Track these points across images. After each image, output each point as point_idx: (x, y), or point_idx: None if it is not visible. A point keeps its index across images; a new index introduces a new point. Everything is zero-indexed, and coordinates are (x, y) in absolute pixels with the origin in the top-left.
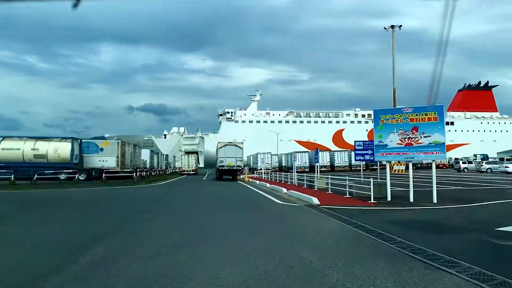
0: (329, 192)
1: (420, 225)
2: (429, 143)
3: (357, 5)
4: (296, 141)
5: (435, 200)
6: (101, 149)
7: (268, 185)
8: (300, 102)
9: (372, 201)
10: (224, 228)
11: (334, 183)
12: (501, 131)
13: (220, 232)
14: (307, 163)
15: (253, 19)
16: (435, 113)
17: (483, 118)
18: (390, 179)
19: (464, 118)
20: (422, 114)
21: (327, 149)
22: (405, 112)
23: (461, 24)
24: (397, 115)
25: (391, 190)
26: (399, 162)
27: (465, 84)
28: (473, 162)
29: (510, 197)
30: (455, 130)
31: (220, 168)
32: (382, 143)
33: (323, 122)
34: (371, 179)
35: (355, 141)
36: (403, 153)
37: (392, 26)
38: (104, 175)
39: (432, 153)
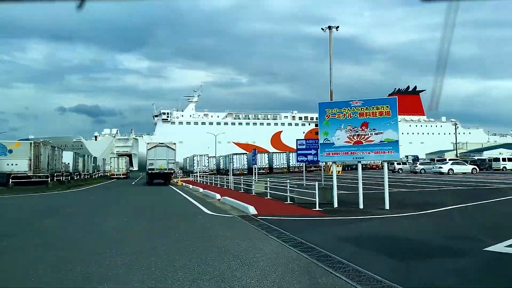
0: (268, 197)
1: (385, 244)
2: (381, 141)
3: (294, 11)
4: (234, 143)
5: (387, 206)
6: (10, 151)
7: (201, 190)
8: (240, 104)
9: (317, 208)
10: (113, 268)
11: (274, 187)
12: (428, 133)
13: (104, 275)
14: (246, 165)
15: (193, 21)
16: (387, 107)
17: (411, 121)
18: (330, 181)
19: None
20: (373, 107)
21: (266, 151)
22: (354, 105)
23: (391, 33)
24: (345, 109)
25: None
26: (334, 162)
27: (395, 88)
28: (407, 163)
29: (463, 200)
30: None
31: (150, 171)
32: (328, 141)
33: (261, 124)
34: (316, 182)
35: (297, 140)
36: (351, 153)
37: (330, 27)
38: (11, 180)
39: (384, 152)
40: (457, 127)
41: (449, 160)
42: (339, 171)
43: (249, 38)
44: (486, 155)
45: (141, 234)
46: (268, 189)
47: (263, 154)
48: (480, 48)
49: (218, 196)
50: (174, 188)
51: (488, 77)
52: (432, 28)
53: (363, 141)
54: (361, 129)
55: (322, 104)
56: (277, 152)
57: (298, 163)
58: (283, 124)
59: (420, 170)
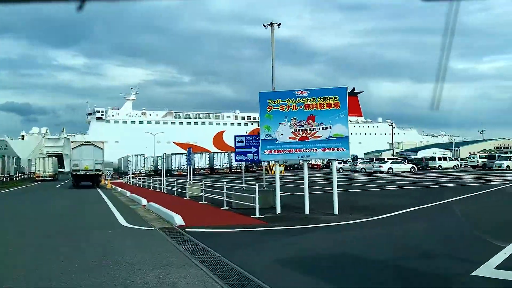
0: (203, 202)
1: (335, 269)
2: (329, 137)
3: (236, 11)
4: (175, 143)
5: (336, 211)
6: None
7: (128, 193)
8: (182, 104)
9: (257, 215)
10: None
11: (210, 190)
12: (365, 134)
13: None
14: (185, 166)
15: (132, 16)
16: (336, 98)
17: (350, 121)
18: (271, 182)
19: None
20: (320, 99)
21: (208, 151)
22: (299, 96)
23: (330, 36)
24: (289, 100)
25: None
26: (277, 161)
27: None
28: (347, 162)
29: (416, 202)
30: None
31: (75, 173)
32: (270, 137)
33: (203, 123)
34: (256, 184)
35: (235, 136)
36: (296, 150)
37: (271, 24)
38: None
39: (332, 149)
40: (394, 127)
41: (388, 159)
42: (281, 171)
43: (191, 37)
44: (420, 154)
45: (15, 261)
46: (204, 192)
47: (204, 154)
48: (412, 53)
49: (144, 201)
50: (100, 191)
51: (419, 81)
52: (368, 33)
53: (310, 137)
54: (307, 123)
55: (263, 94)
56: (218, 152)
57: (239, 163)
58: (225, 123)
59: (361, 169)
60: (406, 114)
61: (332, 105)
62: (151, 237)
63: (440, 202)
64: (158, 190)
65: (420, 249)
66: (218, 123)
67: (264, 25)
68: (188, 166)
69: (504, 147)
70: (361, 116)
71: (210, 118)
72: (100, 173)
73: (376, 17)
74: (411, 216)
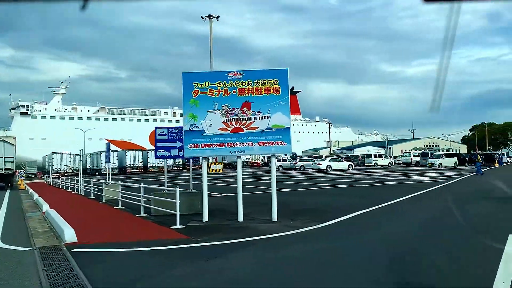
0: (119, 207)
1: None
2: (268, 128)
3: (176, 7)
4: (107, 140)
5: (275, 217)
6: None
7: (36, 196)
8: (118, 100)
9: (178, 226)
10: None
11: (129, 193)
12: (304, 132)
13: None
14: (116, 164)
15: (67, 7)
16: (276, 82)
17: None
18: (213, 182)
19: None
20: (258, 82)
21: (143, 149)
22: (232, 78)
23: (270, 37)
24: (220, 83)
25: (209, 200)
26: (206, 158)
27: None
28: (287, 160)
29: (363, 202)
30: None
31: None
32: (196, 128)
33: (139, 120)
34: (177, 187)
35: (155, 128)
36: (228, 144)
37: (210, 16)
38: None
39: (272, 143)
40: (331, 126)
41: (326, 156)
42: (219, 169)
43: (129, 31)
44: (356, 152)
45: None
46: (120, 195)
47: (137, 151)
48: (346, 56)
49: (45, 207)
50: (7, 194)
51: (353, 82)
52: (306, 35)
53: (245, 128)
54: (241, 111)
55: (187, 75)
56: (153, 150)
57: (176, 159)
58: (162, 120)
59: (300, 167)
60: (342, 113)
61: (271, 90)
62: (20, 264)
63: (389, 203)
64: (75, 191)
65: (388, 276)
66: (154, 120)
67: (202, 17)
68: (106, 165)
69: (433, 145)
70: (300, 115)
71: (146, 115)
72: (11, 172)
73: (314, 20)
74: (362, 223)
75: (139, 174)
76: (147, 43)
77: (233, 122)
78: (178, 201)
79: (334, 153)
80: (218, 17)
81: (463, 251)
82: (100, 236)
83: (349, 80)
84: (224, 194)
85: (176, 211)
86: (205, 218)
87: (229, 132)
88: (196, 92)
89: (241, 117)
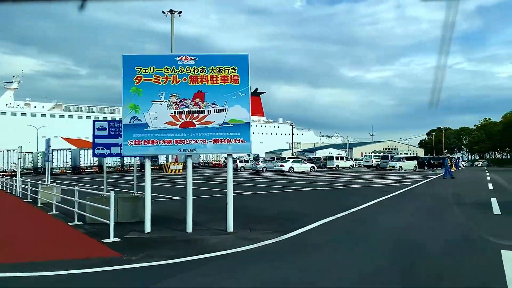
0: (54, 212)
1: None
2: (225, 123)
3: (140, 5)
4: (63, 138)
5: (230, 227)
6: None
7: None
8: (78, 98)
9: (111, 239)
10: None
11: (64, 196)
12: (267, 133)
13: None
14: (69, 163)
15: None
16: (234, 69)
17: (252, 121)
18: (162, 183)
19: None
20: (213, 69)
21: None
22: (183, 63)
23: (235, 38)
24: (168, 69)
25: (157, 204)
26: (149, 157)
27: None
28: (249, 161)
29: (328, 207)
30: None
31: None
32: (138, 122)
33: (97, 118)
34: (112, 192)
35: (93, 121)
36: (177, 141)
37: (171, 11)
38: None
39: (228, 140)
40: (293, 127)
41: (289, 158)
42: (179, 170)
43: (90, 27)
44: (318, 154)
45: None
46: (55, 199)
47: (91, 150)
48: (309, 60)
49: None
50: None
51: (315, 86)
52: (271, 37)
53: (197, 123)
54: (193, 102)
55: (129, 57)
56: None
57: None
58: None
59: (262, 168)
60: (305, 116)
61: (229, 79)
62: None
63: (358, 209)
64: (14, 193)
65: None
66: (113, 118)
67: (163, 12)
68: (46, 164)
69: (391, 149)
70: (263, 116)
71: (104, 112)
72: None
73: (279, 23)
74: (330, 236)
75: (93, 174)
76: (109, 39)
77: (183, 115)
78: (112, 208)
79: (296, 155)
80: (180, 12)
81: (457, 272)
82: (10, 254)
83: (312, 84)
84: (179, 198)
85: (110, 221)
86: (147, 228)
87: (177, 127)
88: (139, 78)
89: (192, 110)
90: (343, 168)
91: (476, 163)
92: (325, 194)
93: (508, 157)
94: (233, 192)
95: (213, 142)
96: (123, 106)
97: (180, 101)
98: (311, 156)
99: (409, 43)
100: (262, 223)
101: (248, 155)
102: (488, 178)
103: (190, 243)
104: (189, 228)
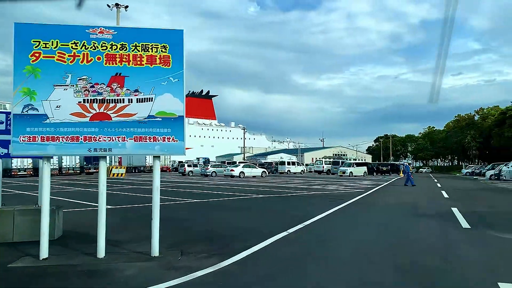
0: None
1: None
2: (151, 116)
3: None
4: None
5: (156, 250)
6: None
7: None
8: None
9: None
10: None
11: None
12: (218, 137)
13: None
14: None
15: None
16: (165, 48)
17: (204, 124)
18: (97, 189)
19: (187, 123)
20: (137, 47)
21: None
22: (97, 37)
23: (187, 40)
24: (77, 44)
25: (79, 216)
26: (48, 158)
27: (189, 91)
28: (198, 165)
29: (282, 219)
30: None
31: None
32: (34, 112)
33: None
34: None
35: None
36: (86, 138)
37: (117, 5)
38: None
39: (155, 139)
40: (245, 132)
41: (240, 162)
42: (121, 174)
43: (33, 20)
44: (270, 158)
45: None
46: None
47: None
48: (262, 65)
49: None
50: None
51: (268, 92)
52: (223, 41)
53: (113, 115)
54: (109, 88)
55: (22, 26)
56: None
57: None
58: None
59: (212, 173)
60: (257, 121)
61: (158, 60)
62: None
63: (312, 221)
64: None
65: None
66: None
67: (108, 5)
68: None
69: (341, 154)
70: (215, 119)
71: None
72: None
73: (233, 27)
74: (283, 261)
75: (26, 178)
76: None
77: (95, 105)
78: None
79: (248, 159)
80: (126, 7)
81: None
82: None
83: (264, 89)
84: (111, 206)
85: (8, 238)
86: (43, 253)
87: (87, 119)
88: (37, 55)
89: (108, 98)
90: (295, 173)
91: (420, 169)
92: (276, 202)
93: (450, 164)
94: (175, 201)
95: (135, 140)
96: (14, 91)
97: (92, 86)
98: (263, 161)
99: (358, 53)
100: (199, 242)
101: (198, 159)
102: (439, 185)
103: (94, 277)
104: (101, 252)
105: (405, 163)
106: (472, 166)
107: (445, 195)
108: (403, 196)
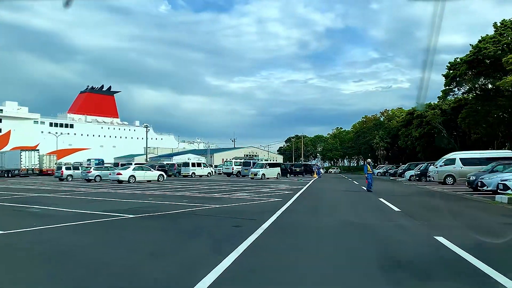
0: None
1: None
2: None
3: None
4: None
5: None
6: None
7: None
8: None
9: None
10: None
11: None
12: (121, 137)
13: None
14: None
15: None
16: None
17: (104, 123)
18: None
19: (85, 121)
20: None
21: None
22: None
23: (91, 35)
24: None
25: None
26: None
27: (88, 86)
28: (79, 168)
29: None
30: (75, 134)
31: None
32: None
33: None
34: None
35: None
36: None
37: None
38: None
39: None
40: (148, 130)
41: (134, 164)
42: None
43: None
44: (176, 160)
45: None
46: None
47: None
48: (173, 65)
49: None
50: None
51: (180, 92)
52: (132, 38)
53: None
54: None
55: None
56: None
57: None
58: None
59: (95, 177)
60: (169, 122)
61: None
62: None
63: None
64: None
65: None
66: None
67: None
68: None
69: (253, 155)
70: (117, 117)
71: None
72: None
73: (142, 24)
74: None
75: None
76: None
77: None
78: None
79: (150, 161)
80: None
81: None
82: None
83: (176, 90)
84: None
85: None
86: None
87: None
88: None
89: None
90: (200, 176)
91: (330, 170)
92: (153, 230)
93: (356, 164)
94: None
95: None
96: None
97: None
98: (165, 163)
99: (268, 57)
100: None
101: (89, 160)
102: (364, 188)
103: None
104: None
105: (317, 164)
106: (383, 166)
107: (392, 207)
108: (338, 211)
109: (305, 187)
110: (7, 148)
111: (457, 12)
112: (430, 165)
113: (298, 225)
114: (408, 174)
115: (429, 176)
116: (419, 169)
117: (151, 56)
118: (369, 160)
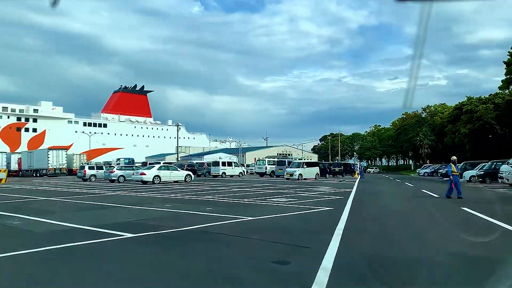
0: None
1: None
2: None
3: None
4: None
5: None
6: None
7: None
8: None
9: None
10: None
11: None
12: (154, 136)
13: None
14: None
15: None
16: None
17: (137, 122)
18: None
19: (118, 121)
20: None
21: None
22: None
23: (127, 38)
24: None
25: None
26: None
27: (121, 86)
28: (103, 167)
29: None
30: (108, 133)
31: None
32: None
33: None
34: None
35: None
36: None
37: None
38: None
39: None
40: (180, 129)
41: (161, 164)
42: (3, 179)
43: None
44: (206, 159)
45: None
46: None
47: None
48: (205, 66)
49: None
50: None
51: (212, 92)
52: (165, 41)
53: None
54: None
55: None
56: None
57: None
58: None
59: (118, 177)
60: (201, 122)
61: None
62: None
63: None
64: None
65: None
66: None
67: None
68: None
69: (286, 154)
70: (151, 117)
71: None
72: None
73: (175, 26)
74: None
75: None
76: None
77: None
78: None
79: (181, 160)
80: None
81: None
82: None
83: (208, 90)
84: None
85: None
86: None
87: None
88: None
89: None
90: (232, 176)
91: (368, 170)
92: (140, 270)
93: (395, 163)
94: None
95: None
96: None
97: None
98: (195, 162)
99: (300, 56)
100: None
101: (118, 159)
102: (429, 193)
103: None
104: None
105: (455, 160)
106: (430, 166)
107: (499, 223)
108: (425, 230)
109: (353, 190)
110: (42, 147)
111: (496, 8)
112: (494, 164)
113: (382, 260)
114: (467, 174)
115: (501, 178)
116: (481, 168)
117: (183, 57)
118: (454, 157)
